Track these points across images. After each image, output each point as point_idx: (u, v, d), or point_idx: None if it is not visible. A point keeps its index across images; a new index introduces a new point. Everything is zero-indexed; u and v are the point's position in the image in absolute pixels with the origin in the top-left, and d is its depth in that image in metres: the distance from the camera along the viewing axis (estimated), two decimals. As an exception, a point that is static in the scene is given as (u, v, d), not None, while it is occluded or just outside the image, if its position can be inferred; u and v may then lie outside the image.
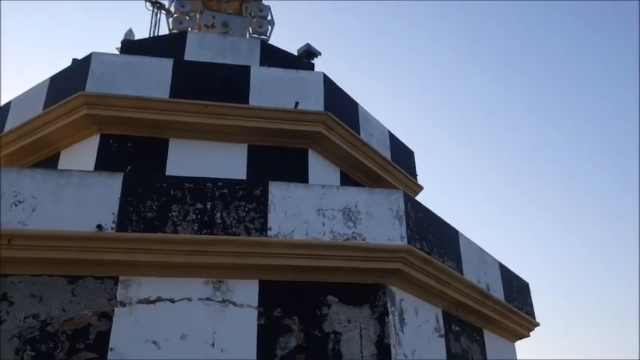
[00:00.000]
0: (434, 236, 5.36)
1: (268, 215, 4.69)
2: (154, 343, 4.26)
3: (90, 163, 5.99)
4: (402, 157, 8.05)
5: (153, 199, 4.60)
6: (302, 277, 4.66)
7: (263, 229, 4.63)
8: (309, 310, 4.58)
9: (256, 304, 4.51)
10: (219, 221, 4.59)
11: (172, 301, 4.42)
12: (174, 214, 4.56)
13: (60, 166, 6.29)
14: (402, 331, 4.77)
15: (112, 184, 4.62)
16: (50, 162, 6.48)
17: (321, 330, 4.51)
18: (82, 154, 6.22)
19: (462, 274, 5.68)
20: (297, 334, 4.46)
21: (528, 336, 7.35)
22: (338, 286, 4.70)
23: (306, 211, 4.75)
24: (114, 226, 4.47)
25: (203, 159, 6.13)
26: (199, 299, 4.45)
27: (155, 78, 6.32)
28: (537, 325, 7.39)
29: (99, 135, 6.20)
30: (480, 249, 6.36)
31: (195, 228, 4.53)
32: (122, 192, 4.60)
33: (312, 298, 4.63)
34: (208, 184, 4.73)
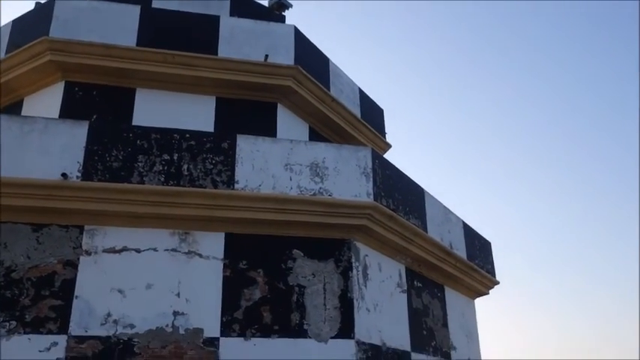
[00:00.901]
0: (400, 194, 5.45)
1: (235, 168, 4.68)
2: (120, 291, 4.28)
3: (54, 110, 5.85)
4: (372, 114, 8.07)
5: (119, 149, 4.54)
6: (268, 230, 4.70)
7: (230, 182, 4.63)
8: (274, 263, 4.64)
9: (222, 257, 4.55)
10: (186, 173, 4.57)
11: (138, 251, 4.43)
12: (140, 164, 4.52)
13: (24, 113, 6.14)
14: (365, 286, 4.89)
15: (78, 133, 4.54)
16: (14, 108, 6.31)
17: (286, 283, 4.59)
18: (47, 102, 6.07)
19: (426, 231, 5.80)
20: (262, 287, 4.53)
21: (488, 293, 7.62)
22: (304, 240, 4.76)
23: (273, 166, 4.76)
24: (79, 175, 4.42)
25: (170, 110, 6.05)
26: (165, 250, 4.47)
27: (121, 25, 6.15)
28: (497, 283, 7.65)
29: (63, 82, 6.05)
30: (445, 208, 6.50)
31: (162, 179, 4.51)
32: (87, 141, 4.53)
33: (278, 251, 4.69)
34: (175, 135, 4.68)
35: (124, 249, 4.41)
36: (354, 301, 4.67)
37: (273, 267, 4.62)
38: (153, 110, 6.00)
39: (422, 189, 6.01)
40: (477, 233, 7.29)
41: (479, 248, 7.26)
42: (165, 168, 4.54)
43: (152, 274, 4.37)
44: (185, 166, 4.58)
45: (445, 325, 6.25)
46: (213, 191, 4.53)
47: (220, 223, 4.58)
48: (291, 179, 4.74)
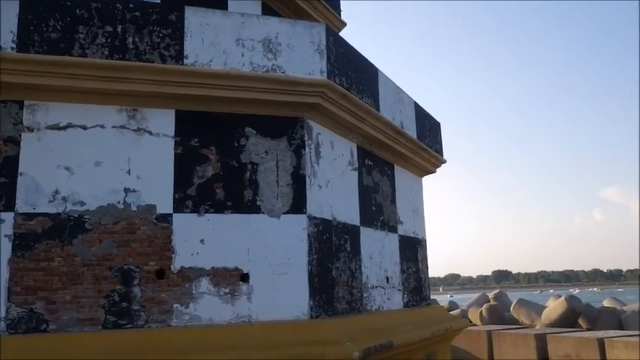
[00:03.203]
0: (353, 72, 5.38)
1: (184, 43, 4.47)
2: (67, 169, 4.21)
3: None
4: (327, -12, 7.71)
5: (57, 19, 4.22)
6: (220, 108, 4.61)
7: (179, 57, 4.43)
8: (226, 140, 4.62)
9: (173, 134, 4.48)
10: (132, 47, 4.33)
11: (84, 127, 4.30)
12: (81, 36, 4.24)
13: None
14: (318, 164, 4.97)
15: (9, 1, 4.17)
16: None
17: (239, 160, 4.61)
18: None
19: (379, 111, 5.84)
20: (215, 164, 4.54)
21: (435, 172, 7.93)
22: (256, 118, 4.71)
23: (224, 40, 4.56)
24: (14, 46, 4.13)
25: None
26: (113, 127, 4.35)
27: None
28: (444, 162, 7.94)
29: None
30: (398, 88, 6.50)
31: (106, 53, 4.27)
32: (21, 9, 4.18)
33: (230, 129, 4.65)
34: (118, 4, 4.37)
35: (69, 125, 4.27)
36: (307, 178, 4.76)
37: (226, 144, 4.60)
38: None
39: (376, 68, 5.94)
40: (427, 114, 7.40)
41: (428, 129, 7.41)
42: (109, 40, 4.28)
43: (100, 152, 4.28)
44: (130, 39, 4.33)
45: (393, 201, 6.52)
46: (162, 66, 4.34)
47: (170, 99, 4.45)
48: (243, 55, 4.58)
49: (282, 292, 4.49)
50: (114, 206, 4.24)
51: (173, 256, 4.29)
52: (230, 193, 4.52)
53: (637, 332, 12.22)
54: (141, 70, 4.28)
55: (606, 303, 17.50)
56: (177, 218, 4.35)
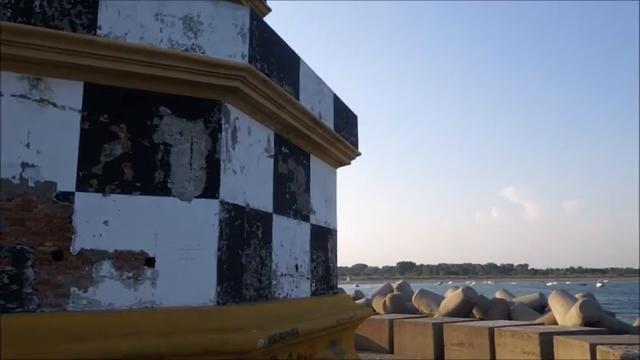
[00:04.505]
0: (275, 59, 5.32)
1: (98, 12, 4.21)
2: (-43, 137, 3.85)
3: None
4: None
5: (-49, -29, 3.83)
6: (134, 84, 4.38)
7: (91, 26, 4.17)
8: (139, 119, 4.41)
9: (80, 108, 4.21)
10: (39, 10, 4.02)
11: (-21, 93, 3.95)
12: (-20, -7, 3.88)
13: None
14: (234, 149, 4.88)
15: None
16: None
17: (151, 140, 4.42)
18: None
19: (298, 100, 5.83)
20: (124, 143, 4.32)
21: (349, 163, 8.06)
22: (172, 97, 4.53)
23: (142, 14, 4.34)
24: None
25: None
26: (12, 95, 4.02)
27: None
28: (359, 154, 8.09)
29: None
30: (318, 78, 6.52)
31: (8, 14, 3.93)
32: None
33: (144, 107, 4.44)
34: (24, -37, 4.03)
35: (-38, 90, 3.90)
36: (221, 162, 4.66)
37: (138, 123, 4.40)
38: None
39: (298, 57, 5.92)
40: (345, 106, 7.49)
41: (346, 121, 7.50)
42: (13, 1, 3.94)
43: (-3, 121, 3.95)
44: (37, 2, 4.01)
45: (307, 190, 6.56)
46: (71, 35, 4.06)
47: (79, 71, 4.18)
48: (161, 31, 4.39)
49: (189, 277, 4.38)
50: (9, 181, 3.93)
51: (73, 237, 4.05)
52: (139, 173, 4.34)
53: (523, 322, 13.16)
54: (47, 37, 3.98)
55: (498, 295, 18.73)
56: (80, 197, 4.11)
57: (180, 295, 4.32)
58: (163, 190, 4.41)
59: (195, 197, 4.52)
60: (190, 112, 4.60)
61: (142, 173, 4.35)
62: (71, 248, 4.03)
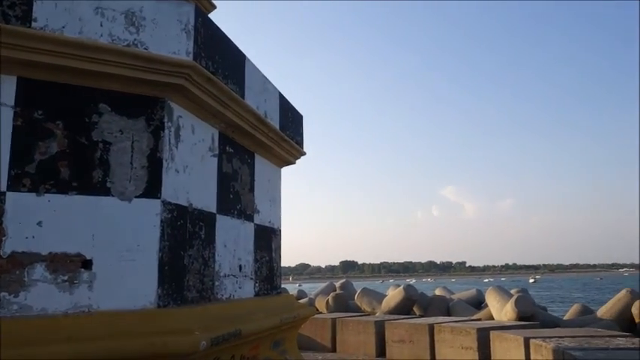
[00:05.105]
0: (220, 57, 5.25)
1: (34, 4, 4.02)
2: None
3: None
4: (200, -34, 7.42)
5: None
6: (72, 80, 4.21)
7: (26, 18, 3.97)
8: (77, 116, 4.24)
9: (13, 103, 4.01)
10: (-33, -1, 3.80)
11: None
12: None
13: None
14: (177, 147, 4.78)
15: None
16: None
17: (89, 138, 4.26)
18: None
19: (244, 98, 5.77)
20: (61, 140, 4.15)
21: (294, 163, 8.05)
22: (112, 94, 4.39)
23: (81, 7, 4.18)
24: None
25: None
26: (-63, 88, 3.79)
27: None
28: (304, 154, 8.09)
29: None
30: (264, 77, 6.48)
31: None
32: None
33: (82, 104, 4.28)
34: (-48, -52, 3.80)
35: None
36: (164, 161, 4.55)
37: (75, 120, 4.23)
38: None
39: (243, 55, 5.86)
40: (291, 106, 7.48)
41: (291, 120, 7.50)
42: (-62, -12, 3.71)
43: None
44: (-35, -10, 3.79)
45: (252, 190, 6.51)
46: (4, 26, 3.85)
47: (12, 64, 3.97)
48: (101, 25, 4.24)
49: (128, 280, 4.25)
50: None
51: (3, 239, 3.85)
52: (76, 172, 4.18)
53: (461, 318, 13.56)
54: (-23, 27, 3.77)
55: (438, 292, 19.24)
56: (12, 197, 3.91)
57: (120, 298, 4.19)
58: (102, 190, 4.26)
59: (136, 197, 4.39)
60: (131, 110, 4.46)
61: (80, 172, 4.19)
62: (1, 251, 3.83)
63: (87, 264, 4.12)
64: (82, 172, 4.21)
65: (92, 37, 4.18)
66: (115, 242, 4.25)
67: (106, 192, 4.28)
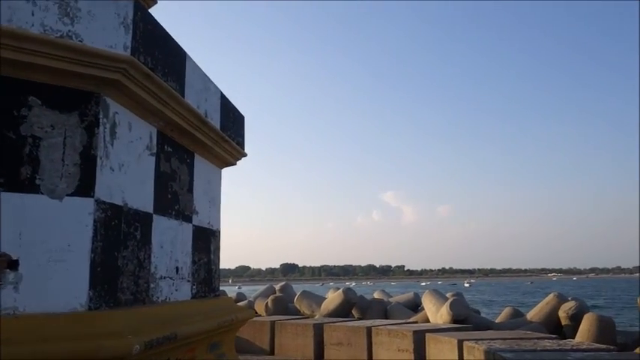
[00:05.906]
0: (160, 53, 5.13)
1: (-42, -13, 3.80)
2: None
3: None
4: (140, -39, 7.24)
5: None
6: (-1, 70, 4.01)
7: (-51, 3, 3.75)
8: (4, 109, 4.04)
9: None
10: None
11: None
12: None
13: None
14: (112, 145, 4.63)
15: None
16: None
17: (17, 132, 4.06)
18: None
19: (184, 96, 5.66)
20: (-14, 133, 3.93)
21: (235, 164, 7.97)
22: (44, 87, 4.20)
23: (11, -6, 3.98)
24: None
25: None
26: None
27: None
28: (245, 155, 8.02)
29: None
30: (205, 76, 6.38)
31: None
32: None
33: (10, 96, 4.08)
34: None
35: None
36: (98, 159, 4.39)
37: (3, 113, 4.02)
38: None
39: (184, 52, 5.75)
40: (232, 106, 7.40)
41: (233, 121, 7.42)
42: None
43: None
44: None
45: (190, 190, 6.39)
46: None
47: None
48: (33, 14, 4.05)
49: (58, 281, 4.07)
50: None
51: None
52: (3, 168, 3.97)
53: (398, 321, 13.82)
54: None
55: (376, 295, 19.52)
56: None
57: (48, 300, 4.01)
58: (30, 187, 4.06)
59: (68, 195, 4.21)
60: (64, 104, 4.29)
61: (6, 168, 3.98)
62: None
63: (13, 264, 3.92)
64: (9, 168, 4.00)
65: (22, 27, 3.99)
66: (44, 242, 4.06)
67: (35, 189, 4.09)
